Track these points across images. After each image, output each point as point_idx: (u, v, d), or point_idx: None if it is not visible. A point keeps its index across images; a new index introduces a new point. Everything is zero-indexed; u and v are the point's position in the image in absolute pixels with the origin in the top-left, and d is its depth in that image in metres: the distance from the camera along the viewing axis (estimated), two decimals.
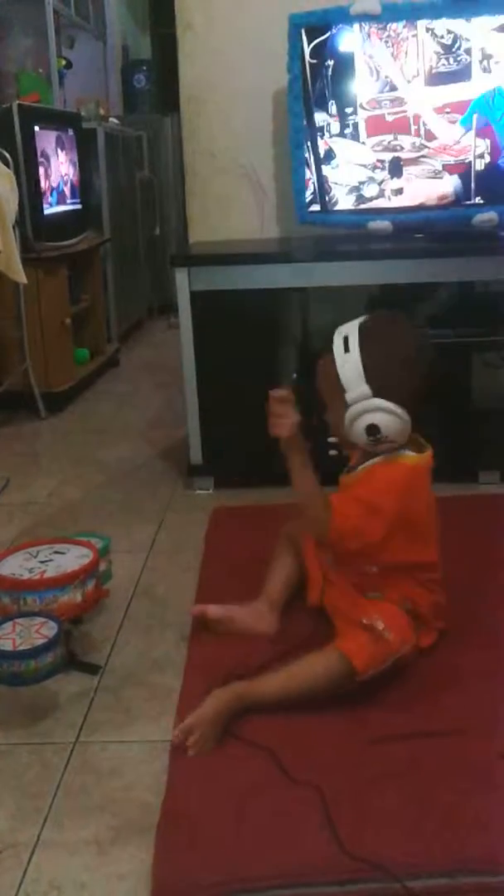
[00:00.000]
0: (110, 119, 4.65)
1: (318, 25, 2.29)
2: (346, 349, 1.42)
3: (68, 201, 3.64)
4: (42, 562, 1.65)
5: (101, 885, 1.10)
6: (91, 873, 1.12)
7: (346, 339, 1.43)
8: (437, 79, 2.29)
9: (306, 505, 1.44)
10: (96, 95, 4.75)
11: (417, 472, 1.47)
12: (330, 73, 2.31)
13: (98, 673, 1.56)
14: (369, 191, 2.39)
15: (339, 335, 1.45)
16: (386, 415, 1.40)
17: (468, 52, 2.25)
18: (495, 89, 2.27)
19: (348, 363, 1.41)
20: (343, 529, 1.40)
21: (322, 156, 2.38)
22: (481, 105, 2.29)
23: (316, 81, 2.32)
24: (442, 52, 2.26)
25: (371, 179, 2.38)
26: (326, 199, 2.41)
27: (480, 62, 2.25)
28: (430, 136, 2.33)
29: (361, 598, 1.48)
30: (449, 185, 2.36)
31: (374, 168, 2.37)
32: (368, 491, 1.44)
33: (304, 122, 2.35)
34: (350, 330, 1.45)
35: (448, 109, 2.30)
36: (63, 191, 3.58)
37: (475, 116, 2.30)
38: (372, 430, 1.41)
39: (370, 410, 1.41)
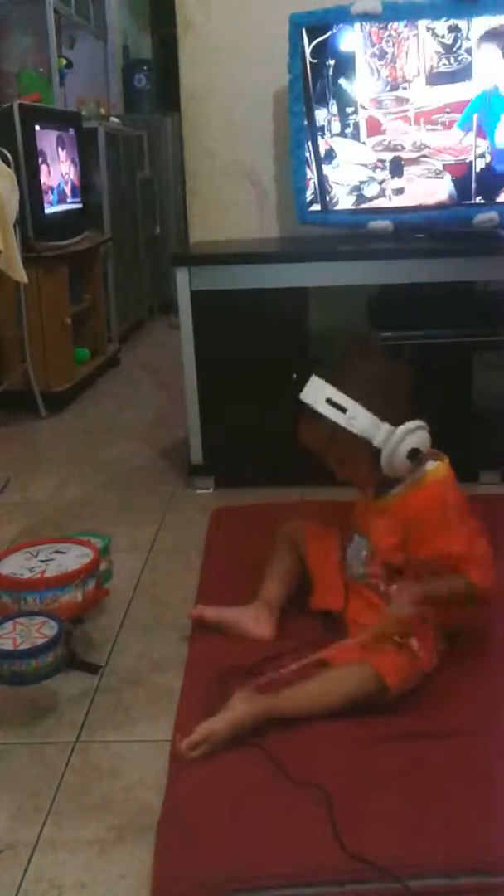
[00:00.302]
0: (111, 118, 4.65)
1: (319, 25, 2.29)
2: (342, 409, 1.41)
3: (69, 201, 3.64)
4: (42, 561, 1.65)
5: (101, 885, 1.10)
6: (91, 873, 1.12)
7: (330, 401, 1.41)
8: (437, 78, 2.29)
9: (446, 598, 1.41)
10: (97, 95, 4.75)
11: (452, 480, 1.50)
12: (330, 72, 2.31)
13: (98, 673, 1.56)
14: (370, 190, 2.39)
15: (318, 403, 1.41)
16: (413, 434, 1.41)
17: (469, 51, 2.25)
18: (493, 89, 2.27)
19: (357, 419, 1.40)
20: (483, 575, 1.40)
21: (322, 155, 2.37)
22: (480, 105, 2.29)
23: (316, 81, 2.32)
24: (443, 51, 2.26)
25: (371, 179, 2.38)
26: (327, 198, 2.41)
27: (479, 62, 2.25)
28: (430, 136, 2.32)
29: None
30: (449, 184, 2.36)
31: (375, 168, 2.37)
32: (444, 525, 1.44)
33: (305, 122, 2.35)
34: (320, 391, 1.42)
35: (448, 109, 2.30)
36: (63, 190, 3.58)
37: (475, 116, 2.30)
38: (414, 454, 1.42)
39: (402, 441, 1.41)
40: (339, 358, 1.48)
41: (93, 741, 1.38)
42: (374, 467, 1.44)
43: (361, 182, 2.39)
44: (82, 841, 1.17)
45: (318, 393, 1.43)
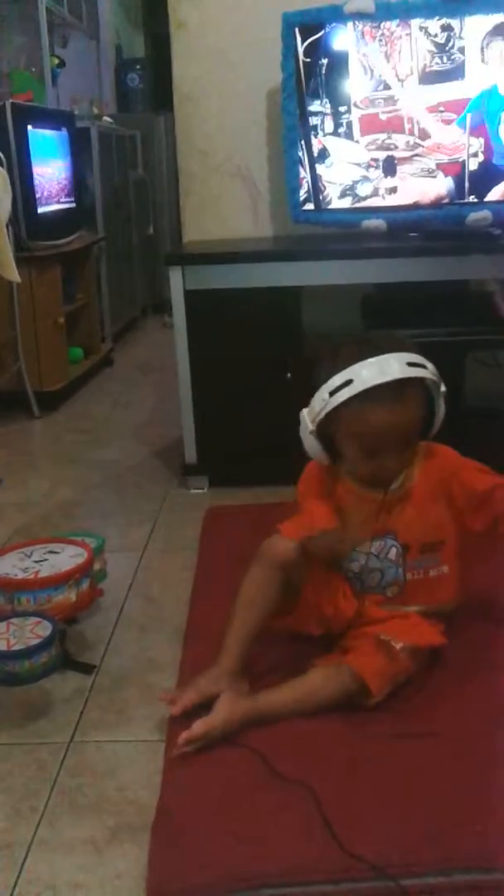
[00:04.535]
0: (104, 118, 4.65)
1: (312, 24, 2.29)
2: (423, 366, 1.37)
3: (62, 200, 3.63)
4: (36, 561, 1.65)
5: (96, 886, 1.10)
6: (86, 873, 1.12)
7: (412, 364, 1.35)
8: (430, 77, 2.29)
9: None
10: (89, 94, 4.75)
11: None
12: (324, 71, 2.31)
13: (93, 673, 1.55)
14: (363, 189, 2.39)
15: (405, 371, 1.33)
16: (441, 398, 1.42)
17: (462, 50, 2.25)
18: (491, 88, 2.27)
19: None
20: None
21: (316, 154, 2.37)
22: (477, 104, 2.29)
23: (310, 80, 2.32)
24: (436, 50, 2.26)
25: (365, 178, 2.38)
26: (320, 197, 2.41)
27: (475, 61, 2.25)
28: (423, 135, 2.33)
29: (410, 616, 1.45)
30: (443, 183, 2.36)
31: (368, 167, 2.37)
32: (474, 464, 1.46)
33: (298, 121, 2.35)
34: (397, 361, 1.34)
35: (442, 108, 2.30)
36: (56, 189, 3.57)
37: (469, 116, 2.30)
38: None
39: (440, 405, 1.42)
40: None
41: (87, 741, 1.38)
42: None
43: (355, 181, 2.39)
44: (77, 841, 1.17)
45: (397, 363, 1.33)
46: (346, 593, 1.46)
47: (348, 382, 1.33)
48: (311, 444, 1.43)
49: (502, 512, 1.42)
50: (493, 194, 2.35)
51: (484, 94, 2.28)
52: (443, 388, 1.40)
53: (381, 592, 1.48)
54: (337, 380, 1.35)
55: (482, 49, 2.25)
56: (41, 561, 1.65)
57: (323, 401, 1.37)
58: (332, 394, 1.35)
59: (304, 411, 1.42)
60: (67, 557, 1.65)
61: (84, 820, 1.21)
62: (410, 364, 1.34)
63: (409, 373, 1.34)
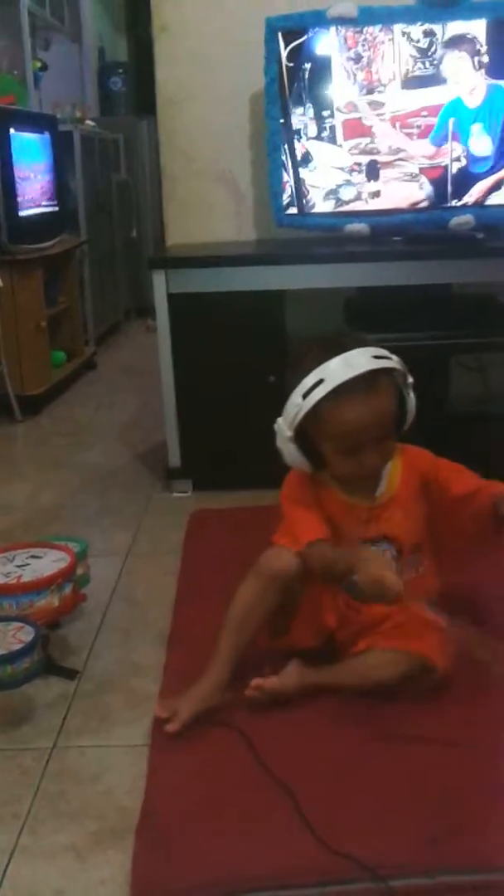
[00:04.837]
0: (86, 121, 4.64)
1: (295, 29, 2.29)
2: (389, 358, 1.38)
3: (44, 203, 3.62)
4: (18, 566, 1.64)
5: (79, 892, 1.09)
6: (69, 880, 1.11)
7: (378, 357, 1.36)
8: (413, 83, 2.30)
9: None
10: (72, 97, 4.74)
11: None
12: (307, 76, 2.32)
13: (76, 678, 1.54)
14: (346, 194, 2.40)
15: (370, 363, 1.34)
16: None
17: (444, 56, 2.26)
18: (456, 99, 2.29)
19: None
20: None
21: (299, 158, 2.38)
22: (454, 109, 2.30)
23: (293, 84, 2.33)
24: (418, 55, 2.28)
25: (348, 182, 2.39)
26: (304, 201, 2.41)
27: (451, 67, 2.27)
28: (406, 140, 2.34)
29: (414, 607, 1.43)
30: (425, 188, 2.37)
31: (352, 171, 2.38)
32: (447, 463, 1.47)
33: (282, 125, 2.35)
34: (363, 355, 1.35)
35: (425, 113, 2.31)
36: (39, 193, 3.56)
37: (451, 121, 2.31)
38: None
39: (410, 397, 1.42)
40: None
41: (70, 747, 1.37)
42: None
43: (338, 185, 2.39)
44: (60, 847, 1.16)
45: (363, 357, 1.35)
46: (346, 604, 1.44)
47: (319, 382, 1.34)
48: (290, 451, 1.41)
49: (485, 511, 1.41)
50: (476, 198, 2.37)
51: (454, 102, 2.30)
52: (410, 380, 1.41)
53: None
54: (308, 382, 1.35)
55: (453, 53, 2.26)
56: (23, 565, 1.64)
57: (297, 405, 1.37)
58: (304, 396, 1.36)
59: (280, 420, 1.41)
60: (50, 562, 1.64)
61: (67, 826, 1.20)
62: (376, 357, 1.36)
63: (376, 364, 1.35)
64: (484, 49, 2.25)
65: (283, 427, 1.40)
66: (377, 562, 1.34)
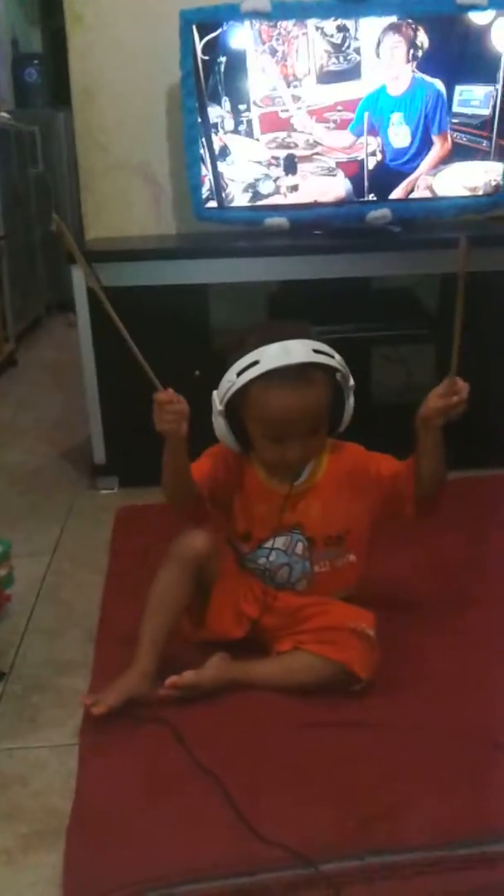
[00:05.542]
0: (1, 114, 4.54)
1: (209, 22, 2.29)
2: (331, 355, 1.39)
3: None
4: None
5: (10, 895, 1.08)
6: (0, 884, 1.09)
7: (318, 351, 1.37)
8: (327, 77, 2.32)
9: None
10: None
11: None
12: (222, 69, 2.32)
13: (3, 679, 1.52)
14: (265, 187, 2.41)
15: (310, 356, 1.35)
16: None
17: (357, 51, 2.29)
18: (381, 87, 2.32)
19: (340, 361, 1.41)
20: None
21: (217, 152, 2.38)
22: (376, 98, 2.33)
23: (209, 78, 2.32)
24: (332, 50, 2.30)
25: (266, 176, 2.40)
26: (223, 195, 2.41)
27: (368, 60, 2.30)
28: (322, 134, 2.36)
29: (337, 604, 1.46)
30: (343, 182, 2.40)
31: (269, 165, 2.39)
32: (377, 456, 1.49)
33: (198, 119, 2.35)
34: (303, 347, 1.36)
35: (340, 108, 2.34)
36: None
37: (366, 115, 2.35)
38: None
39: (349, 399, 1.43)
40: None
41: None
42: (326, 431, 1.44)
43: (256, 179, 2.40)
44: None
45: (303, 347, 1.36)
46: (262, 590, 1.47)
47: (255, 363, 1.36)
48: (219, 425, 1.43)
49: (409, 492, 1.44)
50: (392, 192, 2.41)
51: (374, 95, 2.33)
52: (351, 383, 1.42)
53: (292, 587, 1.49)
54: (245, 360, 1.37)
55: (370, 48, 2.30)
56: None
57: (230, 381, 1.39)
58: (238, 374, 1.37)
59: (214, 393, 1.43)
60: None
61: None
62: (316, 351, 1.37)
63: (313, 358, 1.36)
64: (421, 44, 2.28)
65: (216, 400, 1.42)
66: None
